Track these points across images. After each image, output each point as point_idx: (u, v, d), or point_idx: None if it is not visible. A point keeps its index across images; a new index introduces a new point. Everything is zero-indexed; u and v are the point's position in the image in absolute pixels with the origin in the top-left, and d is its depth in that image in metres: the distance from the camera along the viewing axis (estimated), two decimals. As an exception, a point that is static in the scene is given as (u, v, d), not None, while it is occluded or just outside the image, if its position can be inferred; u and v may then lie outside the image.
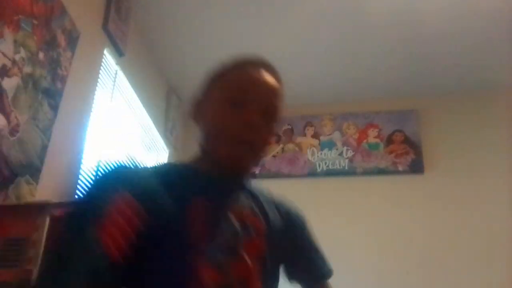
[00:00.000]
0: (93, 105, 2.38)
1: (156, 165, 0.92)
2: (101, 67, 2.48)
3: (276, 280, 0.87)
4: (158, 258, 0.71)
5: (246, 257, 0.76)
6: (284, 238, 0.87)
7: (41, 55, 1.88)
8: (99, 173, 0.75)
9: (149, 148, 3.20)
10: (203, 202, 0.77)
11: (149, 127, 3.10)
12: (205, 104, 0.91)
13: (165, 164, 0.89)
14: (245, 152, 0.83)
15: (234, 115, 0.84)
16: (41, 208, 1.34)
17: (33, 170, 1.80)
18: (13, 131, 1.69)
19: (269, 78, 0.90)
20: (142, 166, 0.86)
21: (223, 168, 0.84)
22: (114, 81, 2.64)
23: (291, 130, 3.58)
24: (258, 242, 0.80)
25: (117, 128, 2.70)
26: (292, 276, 0.94)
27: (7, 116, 1.66)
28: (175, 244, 0.72)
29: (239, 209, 0.82)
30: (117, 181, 0.74)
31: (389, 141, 3.41)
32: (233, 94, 0.86)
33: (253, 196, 0.88)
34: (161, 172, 0.82)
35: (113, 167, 0.79)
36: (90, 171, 2.29)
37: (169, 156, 3.35)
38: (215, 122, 0.86)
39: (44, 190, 1.84)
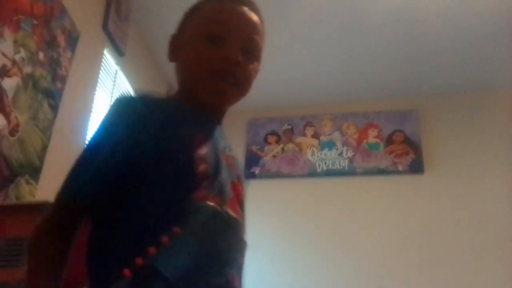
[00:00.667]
0: (93, 105, 2.38)
1: (153, 96, 0.86)
2: (101, 67, 2.48)
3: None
4: (158, 185, 0.70)
5: (234, 198, 0.76)
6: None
7: (41, 55, 1.88)
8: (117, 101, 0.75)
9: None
10: (203, 141, 0.76)
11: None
12: (182, 41, 0.88)
13: (160, 97, 0.87)
14: (226, 87, 0.81)
15: (213, 50, 0.80)
16: (41, 208, 1.34)
17: (33, 170, 1.80)
18: (13, 131, 1.69)
19: (250, 13, 0.86)
20: (149, 97, 0.84)
21: (204, 106, 0.82)
22: (114, 81, 2.64)
23: (291, 130, 3.58)
24: (239, 186, 0.80)
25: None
26: None
27: (7, 116, 1.66)
28: (180, 173, 0.71)
29: (224, 152, 0.81)
30: (130, 111, 0.76)
31: (389, 141, 3.41)
32: (211, 28, 0.83)
33: (227, 140, 0.87)
34: (163, 104, 0.82)
35: (129, 97, 0.82)
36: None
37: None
38: (193, 59, 0.83)
39: (44, 190, 1.84)
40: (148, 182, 0.70)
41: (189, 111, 0.82)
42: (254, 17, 0.87)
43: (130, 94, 0.83)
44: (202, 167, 0.72)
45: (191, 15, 0.89)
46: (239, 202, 0.79)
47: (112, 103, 0.79)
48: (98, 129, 0.76)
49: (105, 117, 0.77)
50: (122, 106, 0.78)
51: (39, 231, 0.71)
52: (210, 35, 0.82)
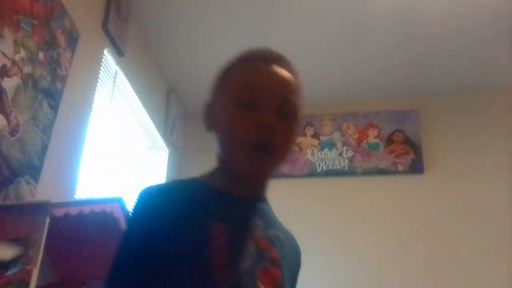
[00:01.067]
0: (93, 105, 2.38)
1: (179, 182, 0.84)
2: (101, 67, 2.48)
3: None
4: (176, 282, 0.68)
5: (263, 287, 0.70)
6: (291, 271, 0.80)
7: (41, 55, 1.88)
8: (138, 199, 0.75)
9: (149, 148, 3.20)
10: (222, 228, 0.72)
11: (149, 127, 3.10)
12: (215, 109, 0.82)
13: (185, 182, 0.82)
14: (264, 158, 0.75)
15: (245, 118, 0.75)
16: (41, 208, 1.34)
17: (33, 170, 1.80)
18: (13, 131, 1.69)
19: (281, 71, 0.80)
20: (168, 186, 0.82)
21: (241, 180, 0.78)
22: (114, 81, 2.64)
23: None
24: (273, 271, 0.74)
25: (117, 128, 2.70)
26: None
27: (7, 116, 1.66)
28: (196, 270, 0.68)
29: (257, 235, 0.75)
30: (146, 211, 0.75)
31: (389, 141, 3.41)
32: (241, 95, 0.77)
33: (270, 221, 0.80)
34: (182, 193, 0.78)
35: (144, 195, 0.77)
36: (90, 172, 2.29)
37: (169, 156, 3.35)
38: (226, 129, 0.78)
39: (44, 190, 1.84)
40: (167, 280, 0.68)
41: (216, 194, 0.77)
42: (286, 75, 0.80)
43: (151, 187, 0.80)
44: (218, 261, 0.68)
45: (221, 80, 0.84)
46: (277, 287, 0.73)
47: (137, 196, 0.78)
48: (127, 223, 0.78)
49: (132, 210, 0.78)
50: (141, 203, 0.76)
51: None
52: (241, 103, 0.76)
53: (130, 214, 0.78)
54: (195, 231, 0.70)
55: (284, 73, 0.80)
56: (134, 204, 0.77)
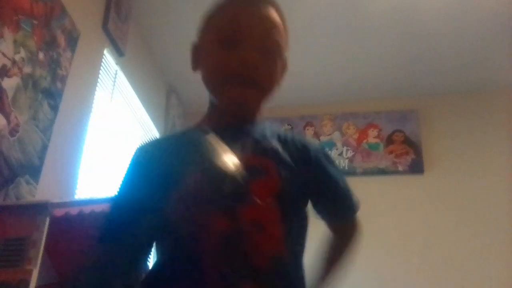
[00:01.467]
0: (93, 105, 2.38)
1: (171, 134, 0.90)
2: (101, 67, 2.48)
3: (302, 218, 0.80)
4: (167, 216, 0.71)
5: (258, 200, 0.70)
6: (304, 172, 0.79)
7: (41, 55, 1.88)
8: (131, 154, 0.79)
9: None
10: None
11: (149, 127, 3.10)
12: (200, 49, 0.86)
13: (177, 132, 0.88)
14: (248, 90, 0.77)
15: (228, 55, 0.77)
16: (41, 208, 1.34)
17: (33, 170, 1.80)
18: (13, 131, 1.69)
19: (264, 8, 0.81)
20: (160, 139, 0.88)
21: (230, 115, 0.80)
22: (114, 81, 2.64)
23: (291, 130, 3.58)
24: (269, 181, 0.74)
25: (117, 128, 2.70)
26: (319, 212, 0.88)
27: (7, 116, 1.66)
28: (182, 200, 0.71)
29: (245, 156, 0.74)
30: (136, 163, 0.79)
31: (389, 141, 3.41)
32: (225, 33, 0.79)
33: (262, 137, 0.81)
34: (176, 140, 0.83)
35: (137, 149, 0.82)
36: (90, 172, 2.29)
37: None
38: (210, 66, 0.81)
39: (44, 190, 1.84)
40: (161, 213, 0.71)
41: (205, 132, 0.79)
42: (270, 13, 0.82)
43: (144, 143, 0.85)
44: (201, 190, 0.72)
45: (206, 21, 0.87)
46: (274, 197, 0.72)
47: (132, 153, 0.82)
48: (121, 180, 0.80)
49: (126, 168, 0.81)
50: (134, 158, 0.81)
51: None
52: (224, 41, 0.78)
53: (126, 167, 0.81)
54: (184, 174, 0.72)
55: (267, 10, 0.81)
56: (130, 159, 0.81)
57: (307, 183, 0.79)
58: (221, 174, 0.70)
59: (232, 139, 0.76)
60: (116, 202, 0.78)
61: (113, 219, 0.77)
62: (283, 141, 0.82)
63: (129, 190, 0.77)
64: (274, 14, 0.83)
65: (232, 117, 0.81)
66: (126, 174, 0.79)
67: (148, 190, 0.73)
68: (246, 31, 0.78)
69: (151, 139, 0.91)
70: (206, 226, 0.68)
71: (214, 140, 0.73)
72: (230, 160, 0.71)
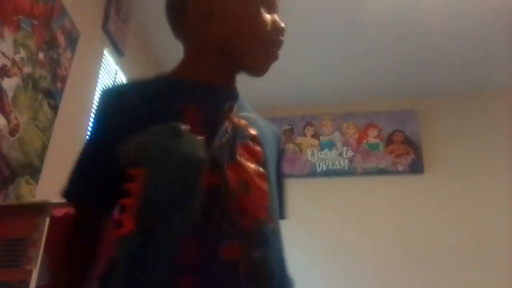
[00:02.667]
0: (93, 105, 2.38)
1: (144, 79, 0.84)
2: (101, 67, 2.48)
3: (280, 190, 0.83)
4: None
5: (244, 161, 0.71)
6: (274, 156, 0.81)
7: (41, 55, 1.88)
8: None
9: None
10: (195, 107, 0.72)
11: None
12: (219, 2, 0.81)
13: (151, 78, 0.83)
14: (276, 57, 0.82)
15: (268, 19, 0.80)
16: (41, 208, 1.34)
17: (33, 170, 1.80)
18: (13, 131, 1.69)
19: None
20: (131, 82, 0.83)
21: (250, 70, 0.82)
22: (114, 81, 2.64)
23: (291, 130, 3.58)
24: (253, 147, 0.74)
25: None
26: None
27: (7, 116, 1.66)
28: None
29: (233, 115, 0.75)
30: (104, 109, 0.77)
31: (389, 141, 3.42)
32: None
33: (245, 105, 0.82)
34: (149, 86, 0.79)
35: (104, 92, 0.80)
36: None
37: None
38: (252, 22, 0.79)
39: (44, 190, 1.84)
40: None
41: (184, 82, 0.79)
42: None
43: (111, 86, 0.83)
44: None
45: None
46: (260, 162, 0.73)
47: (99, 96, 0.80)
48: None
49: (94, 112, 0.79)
50: (103, 100, 0.78)
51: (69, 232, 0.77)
52: (268, 3, 0.81)
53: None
54: (165, 114, 0.69)
55: None
56: (98, 101, 0.79)
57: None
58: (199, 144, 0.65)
59: (218, 96, 0.78)
60: (82, 152, 0.78)
61: (77, 172, 0.78)
62: (260, 119, 0.83)
63: (94, 140, 0.77)
64: None
65: (223, 75, 0.81)
66: (94, 121, 0.79)
67: (113, 143, 0.67)
68: (278, 2, 0.84)
69: (119, 84, 0.88)
70: None
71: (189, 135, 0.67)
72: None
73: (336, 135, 3.51)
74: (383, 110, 3.51)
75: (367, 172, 3.35)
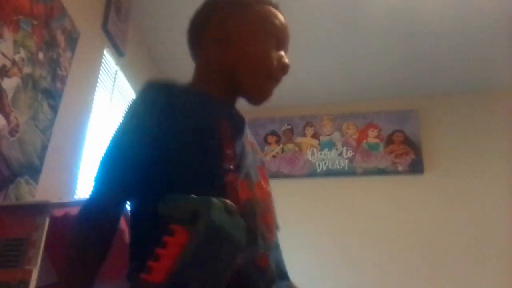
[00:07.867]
0: (93, 105, 2.38)
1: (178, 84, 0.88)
2: (101, 67, 2.48)
3: None
4: (188, 169, 0.72)
5: (262, 181, 0.80)
6: None
7: (40, 55, 1.88)
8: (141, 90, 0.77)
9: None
10: (228, 123, 0.80)
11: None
12: (243, 31, 0.87)
13: (183, 86, 0.88)
14: (272, 92, 0.88)
15: (276, 55, 0.86)
16: (41, 208, 1.34)
17: (33, 170, 1.80)
18: (13, 131, 1.69)
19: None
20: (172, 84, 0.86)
21: (250, 98, 0.87)
22: (114, 81, 2.64)
23: (291, 130, 3.58)
24: (264, 170, 0.85)
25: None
26: None
27: (7, 116, 1.66)
28: (208, 157, 0.74)
29: (248, 138, 0.84)
30: (149, 104, 0.79)
31: (389, 141, 3.41)
32: (279, 32, 0.88)
33: (250, 133, 0.90)
34: (187, 93, 0.84)
35: (148, 88, 0.83)
36: (90, 172, 2.29)
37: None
38: (258, 55, 0.86)
39: (44, 190, 1.84)
40: (178, 168, 0.73)
41: (213, 99, 0.84)
42: None
43: (154, 82, 0.84)
44: (228, 152, 0.75)
45: (242, 9, 0.89)
46: (268, 184, 0.83)
47: (139, 90, 0.82)
48: (127, 119, 0.78)
49: (133, 105, 0.80)
50: (148, 94, 0.82)
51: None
52: (276, 38, 0.87)
53: (133, 105, 0.81)
54: (205, 121, 0.77)
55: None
56: (138, 96, 0.82)
57: None
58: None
59: (238, 118, 0.86)
60: (125, 144, 0.76)
61: (116, 166, 0.75)
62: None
63: (142, 132, 0.76)
64: None
65: (253, 101, 0.88)
66: (142, 113, 0.78)
67: (170, 139, 0.74)
68: (287, 39, 0.91)
69: (162, 80, 0.87)
70: (235, 188, 0.72)
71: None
72: None
73: (336, 135, 3.51)
74: (383, 110, 3.51)
75: (367, 172, 3.35)
